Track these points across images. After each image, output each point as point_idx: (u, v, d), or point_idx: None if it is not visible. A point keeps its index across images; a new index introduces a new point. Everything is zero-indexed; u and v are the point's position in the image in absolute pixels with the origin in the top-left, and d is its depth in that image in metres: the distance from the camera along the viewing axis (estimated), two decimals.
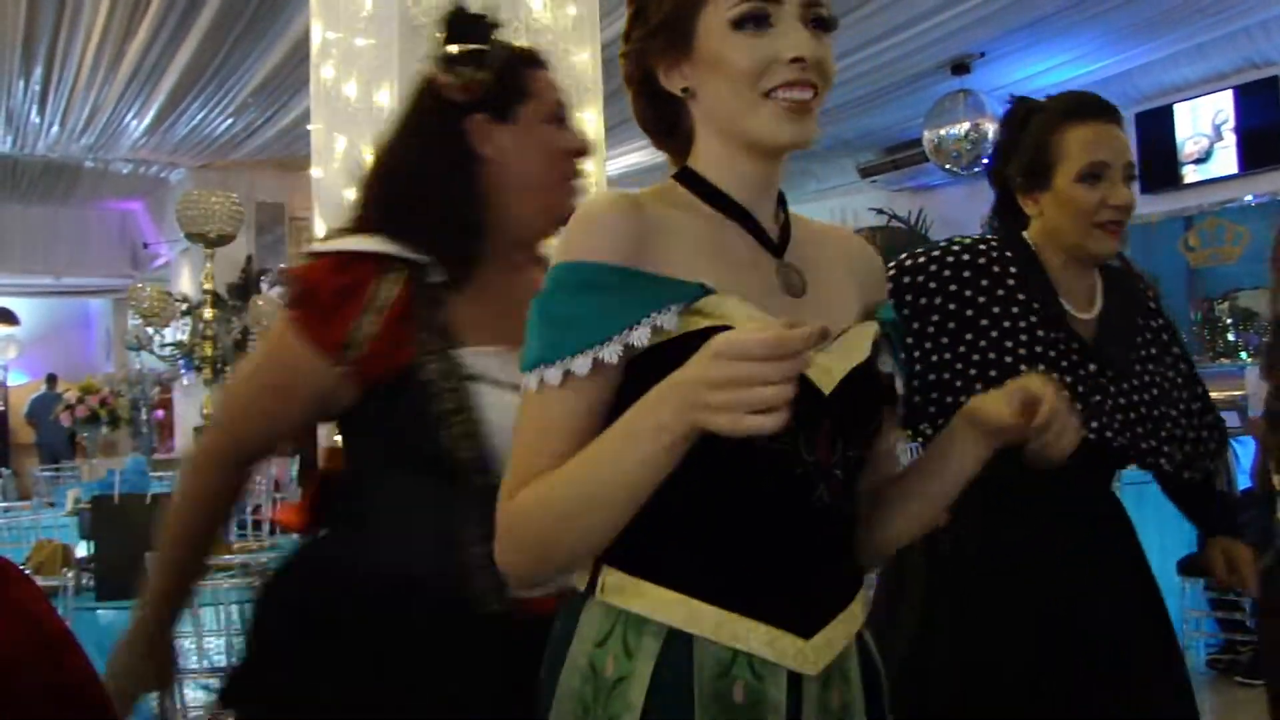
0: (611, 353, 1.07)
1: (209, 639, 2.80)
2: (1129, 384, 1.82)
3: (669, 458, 1.01)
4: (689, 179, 1.23)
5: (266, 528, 5.05)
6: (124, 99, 7.67)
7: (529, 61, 1.59)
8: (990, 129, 7.34)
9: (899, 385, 1.27)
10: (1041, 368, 1.73)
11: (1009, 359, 1.76)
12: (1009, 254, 1.85)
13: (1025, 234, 1.89)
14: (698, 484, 1.09)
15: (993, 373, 1.74)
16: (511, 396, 1.29)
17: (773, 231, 1.22)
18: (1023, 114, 1.90)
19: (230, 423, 1.59)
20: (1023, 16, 6.42)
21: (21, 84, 7.24)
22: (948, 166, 7.68)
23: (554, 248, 1.15)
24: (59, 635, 1.25)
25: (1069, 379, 1.76)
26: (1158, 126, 8.10)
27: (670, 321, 1.08)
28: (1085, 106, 1.85)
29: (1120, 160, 1.79)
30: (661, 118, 1.26)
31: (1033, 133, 1.85)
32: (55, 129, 8.37)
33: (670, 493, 1.06)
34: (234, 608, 2.83)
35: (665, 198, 1.21)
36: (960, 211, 8.49)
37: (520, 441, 1.13)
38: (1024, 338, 1.78)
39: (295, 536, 4.95)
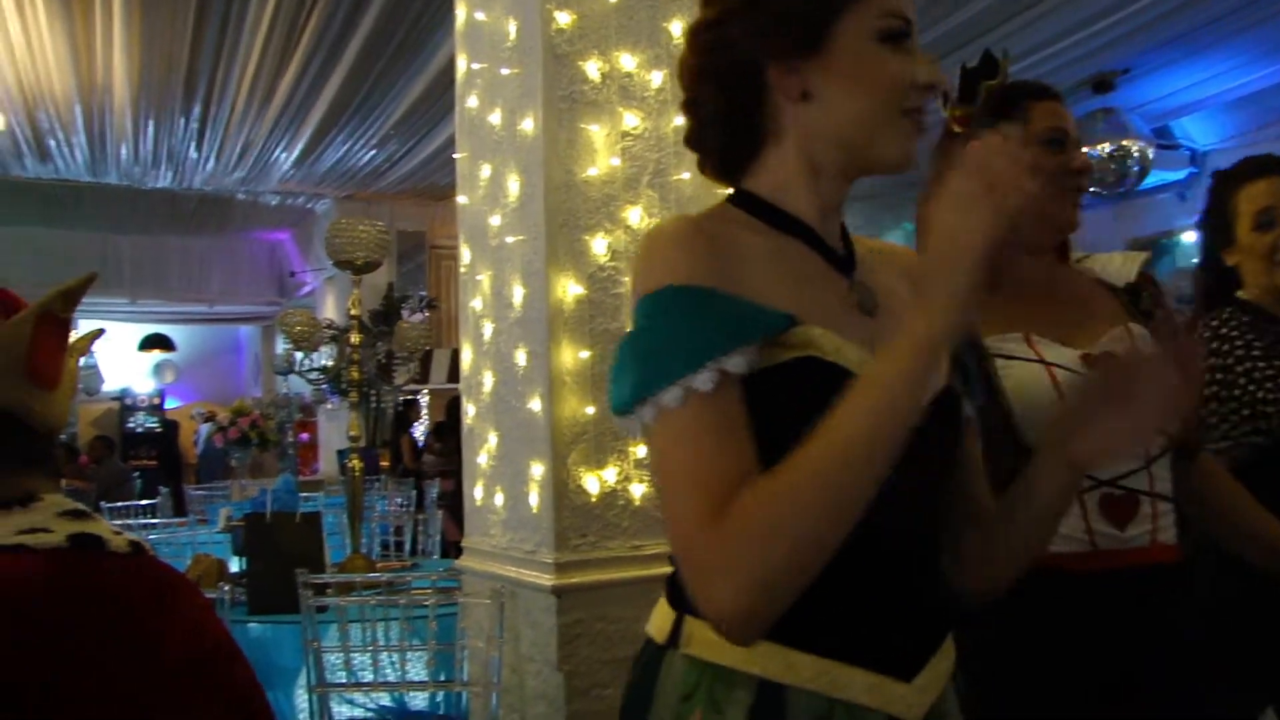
0: (706, 381, 0.98)
1: (355, 654, 2.87)
2: None
3: (932, 364, 0.96)
4: (746, 201, 1.15)
5: (408, 547, 5.17)
6: (274, 134, 8.01)
7: (1031, 93, 1.82)
8: (1135, 148, 7.10)
9: (967, 407, 1.19)
10: None
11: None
12: (1245, 318, 2.24)
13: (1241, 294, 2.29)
14: None
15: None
16: (1029, 368, 1.63)
17: (838, 250, 1.16)
18: (1213, 184, 2.33)
19: None
20: (1171, 30, 6.20)
21: (182, 122, 7.62)
22: (1091, 189, 7.46)
23: (638, 279, 1.07)
24: (227, 644, 1.30)
25: None
26: None
27: (758, 355, 1.01)
28: (1251, 166, 2.26)
29: None
30: (736, 114, 1.15)
31: (1215, 198, 2.28)
32: (211, 164, 8.78)
33: None
34: (379, 625, 2.89)
35: (723, 219, 1.13)
36: (1104, 233, 8.23)
37: (678, 479, 1.00)
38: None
39: (436, 556, 5.07)
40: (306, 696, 2.89)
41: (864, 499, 0.94)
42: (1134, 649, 1.59)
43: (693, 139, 1.20)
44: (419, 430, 9.91)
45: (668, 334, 1.01)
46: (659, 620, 1.13)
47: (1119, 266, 1.89)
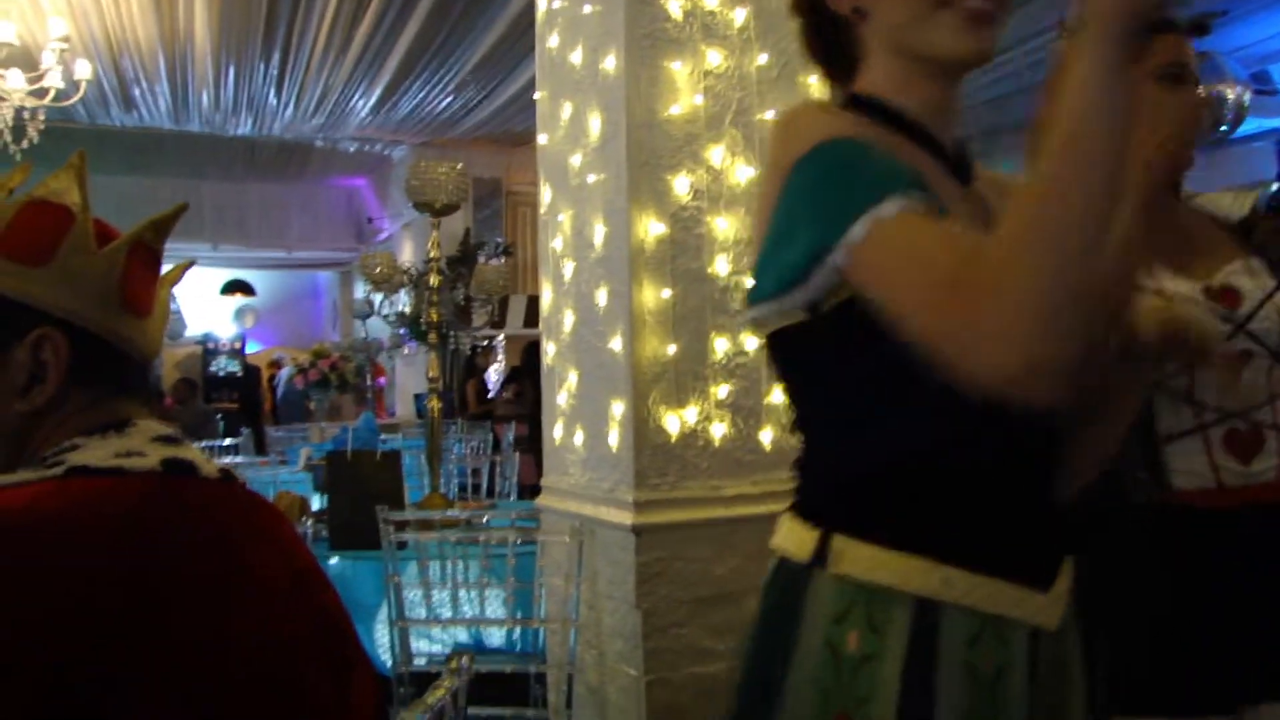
0: (916, 199, 0.95)
1: (434, 591, 2.91)
2: None
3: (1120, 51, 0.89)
4: (863, 104, 1.13)
5: (484, 489, 5.22)
6: (352, 80, 8.04)
7: (1152, 24, 1.74)
8: (1231, 94, 6.83)
9: None
10: None
11: None
12: None
13: None
14: (933, 442, 1.02)
15: None
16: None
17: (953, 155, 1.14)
18: None
19: None
20: None
21: (261, 69, 7.68)
22: None
23: (783, 153, 1.05)
24: (316, 571, 1.32)
25: None
26: None
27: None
28: None
29: None
30: (829, 45, 1.18)
31: None
32: (290, 111, 8.85)
33: (905, 453, 1.02)
34: (459, 562, 2.93)
35: (844, 118, 1.12)
36: (1195, 183, 7.94)
37: (910, 270, 0.93)
38: None
39: (513, 498, 5.13)
40: (386, 631, 2.94)
41: (1102, 201, 0.84)
42: (1260, 585, 1.56)
43: (810, 59, 1.24)
44: (492, 375, 9.99)
45: (858, 170, 0.98)
46: (797, 539, 1.09)
47: (1229, 204, 1.85)
